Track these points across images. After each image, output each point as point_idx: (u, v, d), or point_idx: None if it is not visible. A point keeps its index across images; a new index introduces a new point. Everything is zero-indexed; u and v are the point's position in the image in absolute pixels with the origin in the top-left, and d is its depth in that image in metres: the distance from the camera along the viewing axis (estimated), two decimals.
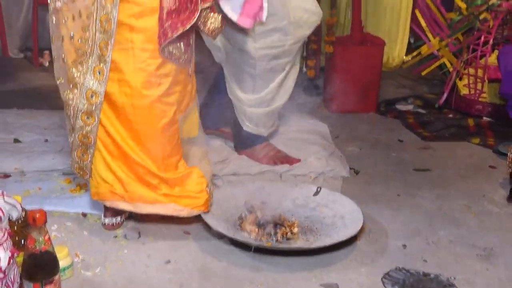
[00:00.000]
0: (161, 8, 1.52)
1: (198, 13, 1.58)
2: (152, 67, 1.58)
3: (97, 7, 1.54)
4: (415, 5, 3.98)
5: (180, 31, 1.55)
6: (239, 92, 2.23)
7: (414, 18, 3.57)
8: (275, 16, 2.04)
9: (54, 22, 1.61)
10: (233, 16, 1.89)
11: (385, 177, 2.24)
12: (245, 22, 1.91)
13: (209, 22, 1.65)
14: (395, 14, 4.17)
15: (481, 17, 2.94)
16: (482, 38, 2.94)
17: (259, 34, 2.06)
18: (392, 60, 4.21)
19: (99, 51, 1.57)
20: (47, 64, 3.81)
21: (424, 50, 3.18)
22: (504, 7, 2.93)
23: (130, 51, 1.57)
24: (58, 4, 1.59)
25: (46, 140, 2.40)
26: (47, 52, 3.85)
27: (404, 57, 4.19)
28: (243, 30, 2.02)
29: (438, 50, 3.10)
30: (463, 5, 2.99)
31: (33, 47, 3.84)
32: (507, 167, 2.12)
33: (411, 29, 3.96)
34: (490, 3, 2.91)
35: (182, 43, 1.63)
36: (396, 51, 4.23)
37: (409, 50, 4.20)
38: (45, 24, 4.26)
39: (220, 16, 1.70)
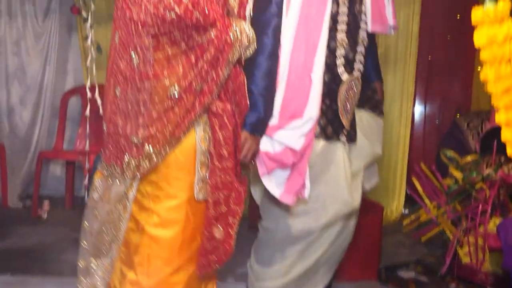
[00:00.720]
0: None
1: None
2: (164, 274, 1.60)
3: (115, 214, 1.64)
4: (410, 165, 4.10)
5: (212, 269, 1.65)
6: (254, 263, 2.17)
7: (410, 182, 3.63)
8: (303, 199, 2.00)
9: (87, 210, 1.70)
10: (276, 192, 1.92)
11: None
12: (287, 199, 1.94)
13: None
14: (392, 168, 4.27)
15: (477, 186, 2.98)
16: (480, 207, 2.96)
17: (282, 216, 2.04)
18: (390, 213, 4.23)
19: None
20: (45, 216, 3.81)
21: (423, 216, 3.19)
22: (499, 176, 2.99)
23: (145, 256, 1.60)
24: (95, 195, 1.67)
25: None
26: (47, 201, 3.89)
27: (403, 210, 4.23)
28: (268, 210, 2.03)
29: (436, 217, 3.11)
30: (459, 175, 3.06)
31: (33, 197, 3.86)
32: None
33: (408, 182, 4.04)
34: (485, 174, 2.97)
35: None
36: (394, 205, 4.27)
37: (407, 202, 4.25)
38: (48, 173, 4.38)
39: None
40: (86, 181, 3.28)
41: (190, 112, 1.56)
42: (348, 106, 2.08)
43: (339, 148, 2.07)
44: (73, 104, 4.22)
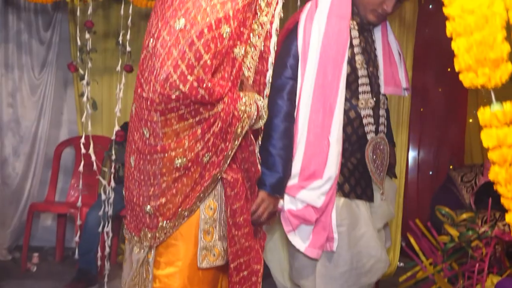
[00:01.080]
0: None
1: None
2: None
3: (138, 278, 1.68)
4: (405, 216, 4.07)
5: None
6: None
7: (404, 234, 3.60)
8: (338, 261, 1.96)
9: (124, 271, 1.75)
10: (301, 247, 1.93)
11: None
12: (312, 253, 1.94)
13: None
14: None
15: (473, 244, 2.96)
16: (477, 265, 2.93)
17: (321, 282, 1.98)
18: None
19: None
20: (34, 269, 3.73)
21: (419, 274, 3.15)
22: (494, 233, 2.98)
23: None
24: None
25: None
26: (36, 255, 3.81)
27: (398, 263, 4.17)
28: (306, 279, 2.00)
29: (433, 275, 3.07)
30: (455, 233, 3.04)
31: (23, 250, 3.78)
32: None
33: (403, 234, 3.99)
34: (481, 231, 2.96)
35: None
36: (389, 258, 4.20)
37: (402, 254, 4.19)
38: (38, 224, 4.31)
39: None
40: (77, 238, 3.22)
41: (199, 184, 1.58)
42: (380, 166, 2.09)
43: (362, 206, 2.03)
44: (66, 154, 4.20)
